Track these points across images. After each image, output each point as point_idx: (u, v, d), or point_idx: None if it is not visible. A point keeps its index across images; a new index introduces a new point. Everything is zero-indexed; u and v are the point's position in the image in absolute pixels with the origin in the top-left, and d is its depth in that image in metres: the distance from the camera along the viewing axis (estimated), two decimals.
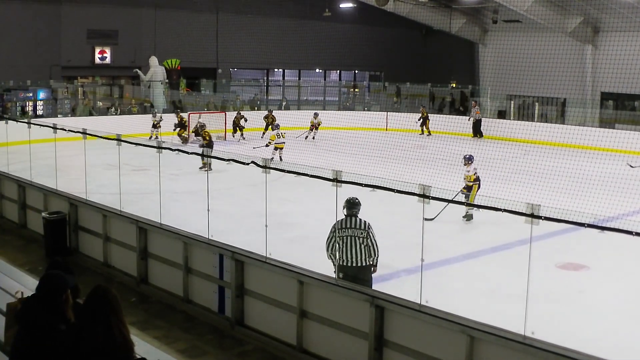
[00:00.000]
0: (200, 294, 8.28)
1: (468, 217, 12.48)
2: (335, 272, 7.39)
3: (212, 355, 7.20)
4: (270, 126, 24.03)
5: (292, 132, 23.29)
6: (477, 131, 27.25)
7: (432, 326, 5.90)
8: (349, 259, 7.26)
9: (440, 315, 5.86)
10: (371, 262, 7.37)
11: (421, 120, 28.06)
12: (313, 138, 25.23)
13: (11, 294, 5.43)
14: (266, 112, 26.39)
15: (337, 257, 7.33)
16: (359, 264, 7.26)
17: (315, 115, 25.94)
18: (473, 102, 28.76)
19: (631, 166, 16.27)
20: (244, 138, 24.88)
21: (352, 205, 7.43)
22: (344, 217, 7.39)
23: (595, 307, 8.68)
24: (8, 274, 6.87)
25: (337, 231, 7.31)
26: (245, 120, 25.57)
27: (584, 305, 8.75)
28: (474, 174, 12.71)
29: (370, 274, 7.42)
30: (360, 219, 7.39)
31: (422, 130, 27.97)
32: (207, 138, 19.12)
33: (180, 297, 8.48)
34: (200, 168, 16.49)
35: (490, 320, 5.66)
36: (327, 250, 7.39)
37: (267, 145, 20.29)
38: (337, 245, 7.30)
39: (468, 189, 12.52)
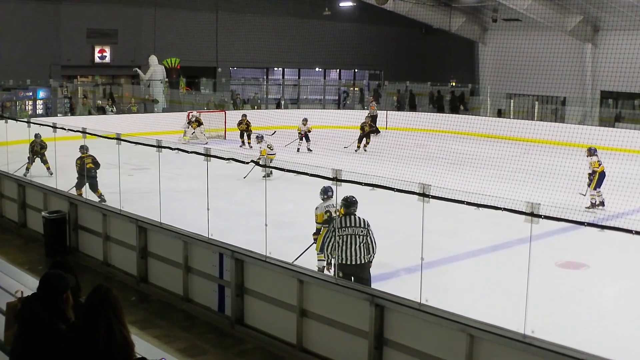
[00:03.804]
0: (200, 293, 8.28)
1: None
2: (333, 271, 7.39)
3: (212, 354, 7.20)
4: (246, 134, 22.32)
5: (286, 131, 23.10)
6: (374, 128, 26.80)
7: (432, 325, 5.90)
8: (349, 258, 7.28)
9: (440, 314, 5.86)
10: (369, 259, 7.43)
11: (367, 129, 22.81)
12: (309, 150, 21.42)
13: (11, 293, 5.43)
14: (240, 118, 22.94)
15: (336, 256, 7.33)
16: (359, 262, 7.31)
17: (305, 121, 21.90)
18: (370, 97, 28.62)
19: (583, 195, 14.18)
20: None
21: (350, 204, 7.46)
22: (341, 216, 7.39)
23: (595, 305, 8.68)
24: (8, 273, 6.87)
25: (336, 230, 7.31)
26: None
27: (584, 304, 8.75)
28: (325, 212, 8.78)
29: (369, 272, 7.48)
30: (359, 217, 7.44)
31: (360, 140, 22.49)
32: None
33: (180, 296, 8.48)
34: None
35: (490, 319, 5.66)
36: (326, 249, 7.40)
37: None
38: (337, 244, 7.30)
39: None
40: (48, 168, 15.72)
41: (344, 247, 7.29)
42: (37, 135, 14.93)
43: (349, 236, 7.30)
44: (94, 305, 3.69)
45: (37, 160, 15.64)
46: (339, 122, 24.86)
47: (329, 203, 8.77)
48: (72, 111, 26.26)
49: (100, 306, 3.66)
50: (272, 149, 16.83)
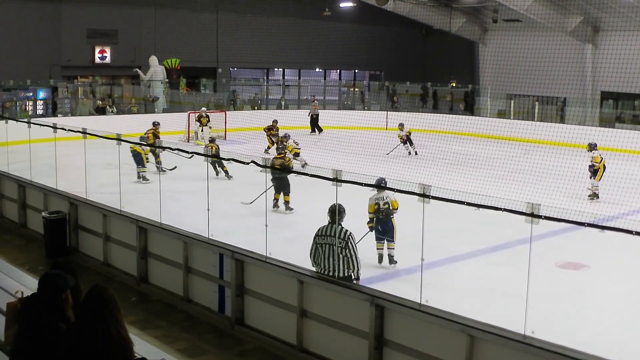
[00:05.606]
0: (200, 293, 8.28)
1: None
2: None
3: (212, 354, 7.20)
4: (275, 140, 20.82)
5: (297, 131, 22.89)
6: (315, 126, 26.75)
7: (433, 325, 5.90)
8: (328, 268, 6.97)
9: (441, 314, 5.86)
10: (352, 274, 7.05)
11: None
12: (416, 153, 21.33)
13: (11, 294, 5.43)
14: (270, 124, 21.71)
15: (315, 264, 7.10)
16: (338, 274, 6.95)
17: (401, 126, 21.51)
18: (312, 97, 28.81)
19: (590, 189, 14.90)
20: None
21: (333, 213, 7.09)
22: (328, 223, 7.14)
23: (595, 306, 8.68)
24: (8, 273, 6.88)
25: (317, 237, 7.06)
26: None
27: (584, 305, 8.75)
28: None
29: None
30: (341, 228, 7.03)
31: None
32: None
33: (180, 296, 8.48)
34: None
35: (491, 320, 5.66)
36: (310, 256, 7.14)
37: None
38: (317, 252, 7.05)
39: None
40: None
41: (322, 257, 6.99)
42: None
43: (326, 245, 6.97)
44: (90, 305, 3.70)
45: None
46: (339, 122, 24.90)
47: (381, 195, 9.39)
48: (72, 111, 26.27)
49: (95, 306, 3.67)
50: (297, 144, 17.49)
